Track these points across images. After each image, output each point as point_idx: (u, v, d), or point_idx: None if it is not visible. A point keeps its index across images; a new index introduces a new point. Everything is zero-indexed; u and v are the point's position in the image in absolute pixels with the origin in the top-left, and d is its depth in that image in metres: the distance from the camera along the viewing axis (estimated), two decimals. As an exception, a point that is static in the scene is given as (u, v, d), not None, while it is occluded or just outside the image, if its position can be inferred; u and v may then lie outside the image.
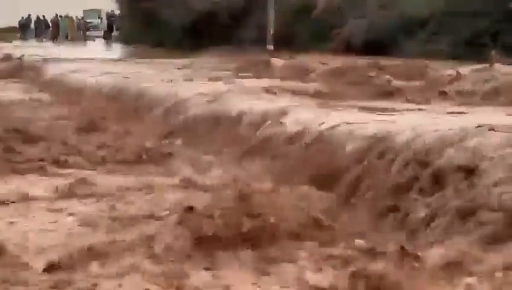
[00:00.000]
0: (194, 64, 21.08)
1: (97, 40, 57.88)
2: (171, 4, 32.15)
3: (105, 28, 59.00)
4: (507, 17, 20.22)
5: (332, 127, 7.62)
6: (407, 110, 10.46)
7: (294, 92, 13.42)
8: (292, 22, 26.80)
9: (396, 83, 14.81)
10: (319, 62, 17.40)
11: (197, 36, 29.87)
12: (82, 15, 66.59)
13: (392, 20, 21.87)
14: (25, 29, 60.68)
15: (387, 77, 14.85)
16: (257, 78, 16.29)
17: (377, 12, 22.88)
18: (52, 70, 20.62)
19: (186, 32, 31.33)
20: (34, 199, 6.36)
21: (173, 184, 7.11)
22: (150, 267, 4.26)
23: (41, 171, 7.63)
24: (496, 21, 20.40)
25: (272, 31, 27.48)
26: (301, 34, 25.70)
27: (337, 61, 18.14)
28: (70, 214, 5.86)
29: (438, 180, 5.30)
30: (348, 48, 21.83)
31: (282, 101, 10.74)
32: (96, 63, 22.93)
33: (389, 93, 13.86)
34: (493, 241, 4.35)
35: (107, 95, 15.01)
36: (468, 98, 12.46)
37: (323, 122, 8.16)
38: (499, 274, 3.74)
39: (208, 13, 29.56)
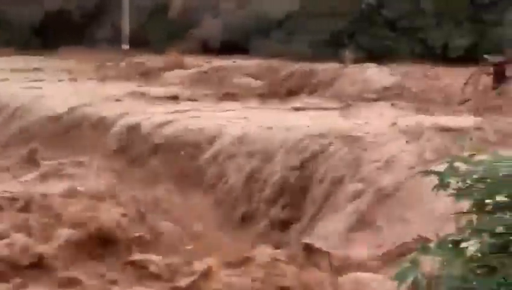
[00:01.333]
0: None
1: None
2: (18, 2, 30.06)
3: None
4: (362, 17, 21.42)
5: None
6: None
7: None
8: (148, 21, 26.18)
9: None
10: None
11: (47, 36, 28.21)
12: None
13: (247, 20, 21.97)
14: None
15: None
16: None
17: (232, 12, 22.82)
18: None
19: (35, 32, 29.49)
20: None
21: None
22: None
23: None
24: (352, 21, 21.53)
25: (127, 31, 26.60)
26: (157, 34, 25.18)
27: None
28: None
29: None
30: (205, 48, 21.73)
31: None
32: None
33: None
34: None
35: None
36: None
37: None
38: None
39: (59, 12, 27.99)
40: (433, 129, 9.88)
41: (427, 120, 10.48)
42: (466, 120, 10.25)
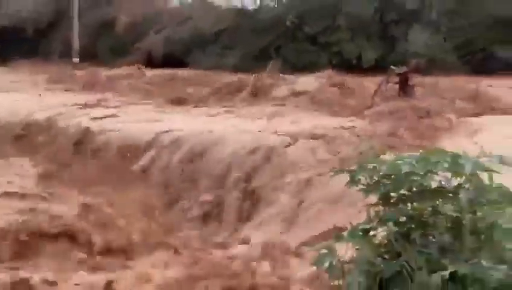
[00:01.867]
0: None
1: None
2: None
3: None
4: (287, 33, 21.84)
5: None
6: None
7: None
8: (96, 36, 25.65)
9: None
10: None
11: (1, 50, 27.24)
12: None
13: (187, 36, 22.09)
14: None
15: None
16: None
17: (173, 28, 22.89)
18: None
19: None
20: None
21: None
22: None
23: None
24: (278, 37, 21.98)
25: (77, 45, 26.05)
26: (105, 48, 24.78)
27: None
28: None
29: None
30: (149, 61, 21.60)
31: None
32: None
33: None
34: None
35: None
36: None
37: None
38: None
39: (13, 27, 27.03)
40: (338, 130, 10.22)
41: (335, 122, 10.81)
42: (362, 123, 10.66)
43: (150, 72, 19.47)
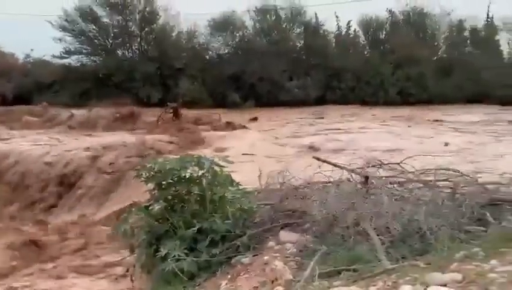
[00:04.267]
0: None
1: None
2: None
3: None
4: (100, 81, 26.82)
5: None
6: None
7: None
8: None
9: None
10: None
11: None
12: None
13: (29, 83, 26.31)
14: None
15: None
16: None
17: (20, 77, 26.77)
18: None
19: None
20: None
21: None
22: None
23: None
24: (94, 84, 26.24)
25: None
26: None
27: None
28: None
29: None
30: (3, 101, 23.88)
31: None
32: None
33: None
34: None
35: None
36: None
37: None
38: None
39: None
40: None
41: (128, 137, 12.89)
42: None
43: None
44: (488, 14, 34.67)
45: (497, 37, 34.15)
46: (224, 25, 32.27)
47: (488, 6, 33.88)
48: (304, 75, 31.07)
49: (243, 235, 4.31)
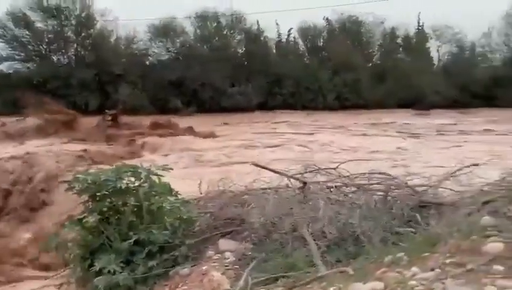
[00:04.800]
0: None
1: None
2: None
3: None
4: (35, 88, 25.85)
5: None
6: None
7: None
8: None
9: None
10: None
11: None
12: None
13: None
14: None
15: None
16: None
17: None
18: None
19: None
20: None
21: None
22: None
23: None
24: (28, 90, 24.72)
25: None
26: None
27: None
28: None
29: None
30: None
31: None
32: None
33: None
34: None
35: None
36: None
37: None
38: None
39: None
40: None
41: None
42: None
43: None
44: (418, 23, 36.72)
45: (427, 45, 36.14)
46: (164, 30, 32.13)
47: (419, 15, 36.03)
48: (245, 82, 31.50)
49: (181, 246, 4.24)
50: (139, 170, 4.58)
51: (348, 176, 5.50)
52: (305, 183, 5.08)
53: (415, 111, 28.26)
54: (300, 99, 31.68)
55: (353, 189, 5.10)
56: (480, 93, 31.48)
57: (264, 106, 30.48)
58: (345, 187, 5.31)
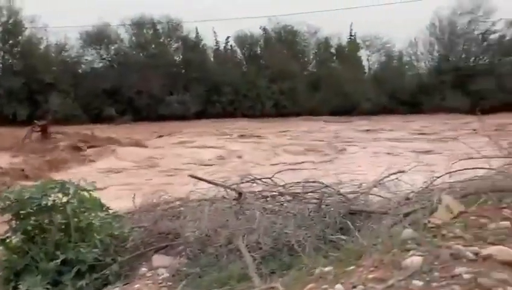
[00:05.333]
0: None
1: None
2: None
3: None
4: None
5: None
6: None
7: None
8: None
9: None
10: None
11: None
12: None
13: None
14: None
15: None
16: None
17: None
18: None
19: None
20: None
21: None
22: None
23: None
24: None
25: None
26: None
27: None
28: None
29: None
30: None
31: None
32: None
33: None
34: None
35: None
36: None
37: None
38: None
39: None
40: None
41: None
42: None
43: None
44: (350, 33, 38.07)
45: (359, 54, 37.51)
46: (97, 38, 31.13)
47: (351, 25, 37.35)
48: (183, 90, 31.10)
49: (113, 263, 4.05)
50: (67, 185, 4.35)
51: (283, 185, 5.53)
52: (240, 193, 5.05)
53: (337, 118, 29.41)
54: (239, 106, 31.82)
55: (288, 198, 5.14)
56: (407, 100, 33.16)
57: (203, 114, 30.32)
58: (280, 196, 5.34)
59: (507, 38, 34.58)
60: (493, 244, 1.84)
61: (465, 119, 23.41)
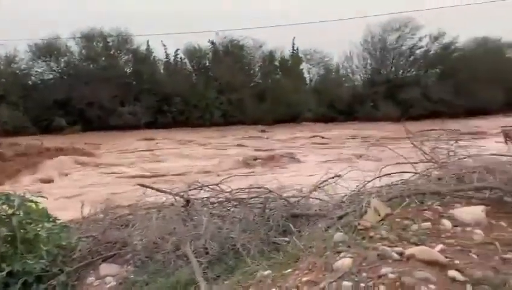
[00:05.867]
0: None
1: None
2: None
3: None
4: None
5: None
6: None
7: None
8: None
9: None
10: None
11: None
12: None
13: None
14: None
15: None
16: None
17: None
18: None
19: None
20: None
21: None
22: None
23: None
24: None
25: None
26: None
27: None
28: None
29: None
30: None
31: None
32: None
33: None
34: None
35: None
36: None
37: None
38: None
39: None
40: None
41: None
42: None
43: None
44: (293, 47, 38.89)
45: (301, 66, 38.43)
46: (47, 50, 30.01)
47: (293, 40, 38.20)
48: (134, 101, 30.55)
49: (60, 274, 3.87)
50: (12, 197, 4.12)
51: (229, 191, 5.51)
52: (188, 201, 4.97)
53: (261, 127, 29.86)
54: (189, 116, 31.64)
55: (234, 203, 5.12)
56: (344, 109, 34.62)
57: (154, 124, 29.88)
58: (227, 202, 5.31)
59: (431, 52, 37.45)
60: (416, 244, 1.91)
61: (395, 126, 24.55)
